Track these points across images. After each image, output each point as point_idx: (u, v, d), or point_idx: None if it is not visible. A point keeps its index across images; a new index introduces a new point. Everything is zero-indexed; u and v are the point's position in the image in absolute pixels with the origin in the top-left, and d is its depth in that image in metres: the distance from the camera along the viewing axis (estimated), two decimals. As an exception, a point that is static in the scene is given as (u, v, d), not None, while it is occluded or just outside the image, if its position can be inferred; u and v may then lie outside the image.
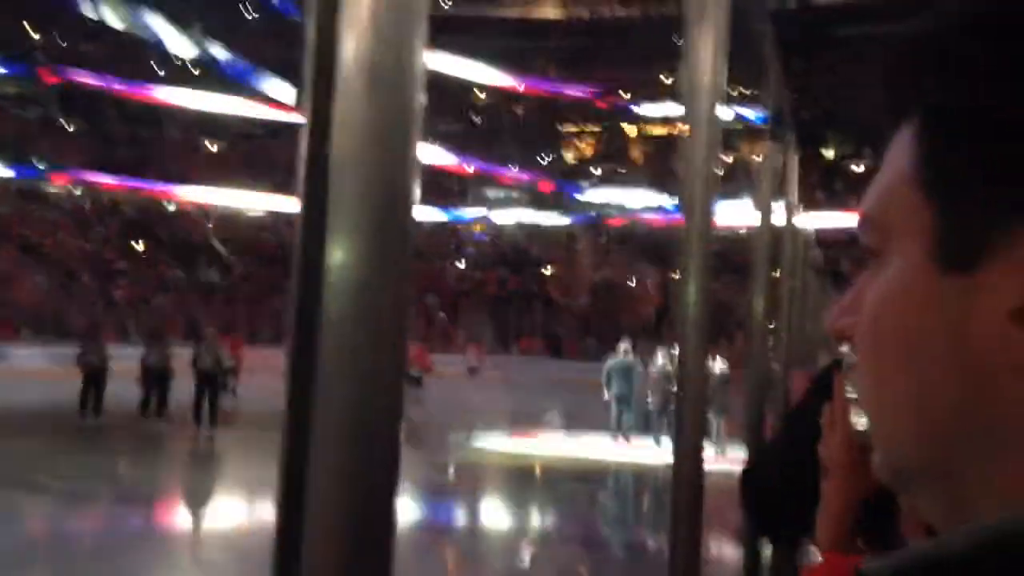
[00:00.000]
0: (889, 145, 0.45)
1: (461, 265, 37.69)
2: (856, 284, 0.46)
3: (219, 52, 33.49)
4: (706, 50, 1.69)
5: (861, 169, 37.63)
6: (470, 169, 37.29)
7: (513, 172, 38.59)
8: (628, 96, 40.10)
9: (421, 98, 0.76)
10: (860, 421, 0.96)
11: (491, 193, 39.50)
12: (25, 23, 36.42)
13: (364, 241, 0.74)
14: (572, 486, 12.01)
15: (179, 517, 9.88)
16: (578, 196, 38.58)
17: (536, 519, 10.45)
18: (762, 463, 1.70)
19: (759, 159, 3.03)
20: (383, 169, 0.75)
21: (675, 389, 1.88)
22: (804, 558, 1.16)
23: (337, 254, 0.74)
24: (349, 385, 0.76)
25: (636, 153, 42.80)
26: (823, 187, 34.20)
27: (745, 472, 1.69)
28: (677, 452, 1.79)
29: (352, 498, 0.74)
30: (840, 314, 0.46)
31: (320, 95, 0.73)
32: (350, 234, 0.74)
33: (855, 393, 0.74)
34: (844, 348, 0.63)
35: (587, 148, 43.76)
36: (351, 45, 0.70)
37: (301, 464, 0.76)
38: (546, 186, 38.58)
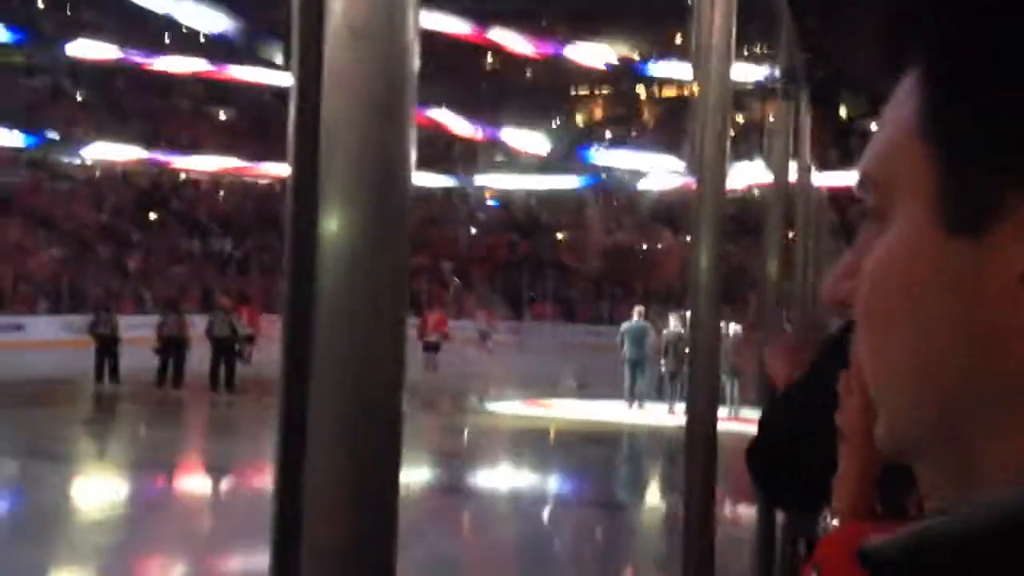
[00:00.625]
0: (891, 98, 0.42)
1: (472, 231, 37.64)
2: (855, 247, 0.43)
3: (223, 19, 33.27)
4: (716, 8, 1.64)
5: (875, 127, 37.20)
6: (479, 134, 37.04)
7: (521, 137, 38.28)
8: (639, 56, 39.72)
9: (416, 56, 0.72)
10: None
11: (502, 158, 39.32)
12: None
13: (359, 209, 0.71)
14: (586, 450, 12.08)
15: (198, 482, 9.99)
16: (589, 160, 38.34)
17: (550, 482, 10.51)
18: (769, 431, 1.68)
19: (772, 119, 2.98)
20: (377, 133, 0.72)
21: (688, 352, 1.86)
22: (821, 524, 1.14)
23: (331, 223, 0.71)
24: (347, 358, 0.73)
25: (648, 115, 42.51)
26: (838, 146, 33.89)
27: (753, 440, 1.68)
28: (690, 415, 1.77)
29: (353, 474, 0.72)
30: (839, 278, 0.44)
31: (308, 54, 0.69)
32: (344, 202, 0.71)
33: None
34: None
35: (598, 111, 43.49)
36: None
37: (300, 439, 0.73)
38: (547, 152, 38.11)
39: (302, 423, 0.72)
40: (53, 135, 33.50)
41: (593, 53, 38.32)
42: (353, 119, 0.70)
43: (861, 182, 0.43)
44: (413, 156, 0.73)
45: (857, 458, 1.09)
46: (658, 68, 39.37)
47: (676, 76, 39.09)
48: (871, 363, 0.42)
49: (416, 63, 0.70)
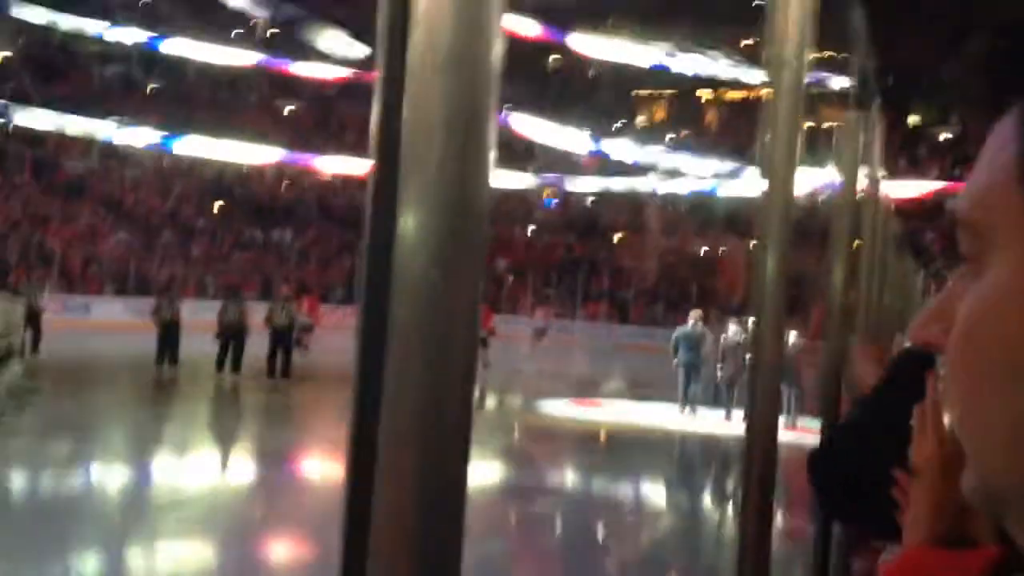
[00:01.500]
0: (987, 136, 0.41)
1: (530, 229, 37.65)
2: (947, 290, 0.42)
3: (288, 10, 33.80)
4: (791, 13, 1.62)
5: (946, 135, 36.33)
6: (541, 133, 37.01)
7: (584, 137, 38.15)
8: (704, 58, 39.28)
9: (499, 60, 0.73)
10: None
11: (560, 158, 39.24)
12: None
13: (437, 208, 0.73)
14: (637, 454, 12.00)
15: (251, 469, 10.17)
16: (649, 162, 38.03)
17: (601, 486, 10.48)
18: (835, 448, 1.66)
19: (842, 125, 2.93)
20: (459, 134, 0.73)
21: (748, 360, 1.84)
22: (881, 547, 1.12)
23: (409, 221, 0.73)
24: (421, 353, 0.74)
25: (711, 117, 42.04)
26: (905, 154, 33.14)
27: (816, 453, 1.65)
28: (750, 423, 1.75)
29: (423, 468, 0.73)
30: (929, 321, 0.42)
31: (392, 55, 0.70)
32: (423, 200, 0.72)
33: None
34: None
35: (660, 112, 43.15)
36: (424, 2, 0.68)
37: (371, 434, 0.75)
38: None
39: (374, 417, 0.73)
40: (126, 123, 34.35)
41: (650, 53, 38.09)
42: (435, 119, 0.71)
43: (956, 226, 0.42)
44: (493, 157, 0.74)
45: (930, 496, 1.05)
46: (722, 70, 38.92)
47: (741, 79, 38.59)
48: (962, 412, 0.41)
49: (500, 66, 0.71)
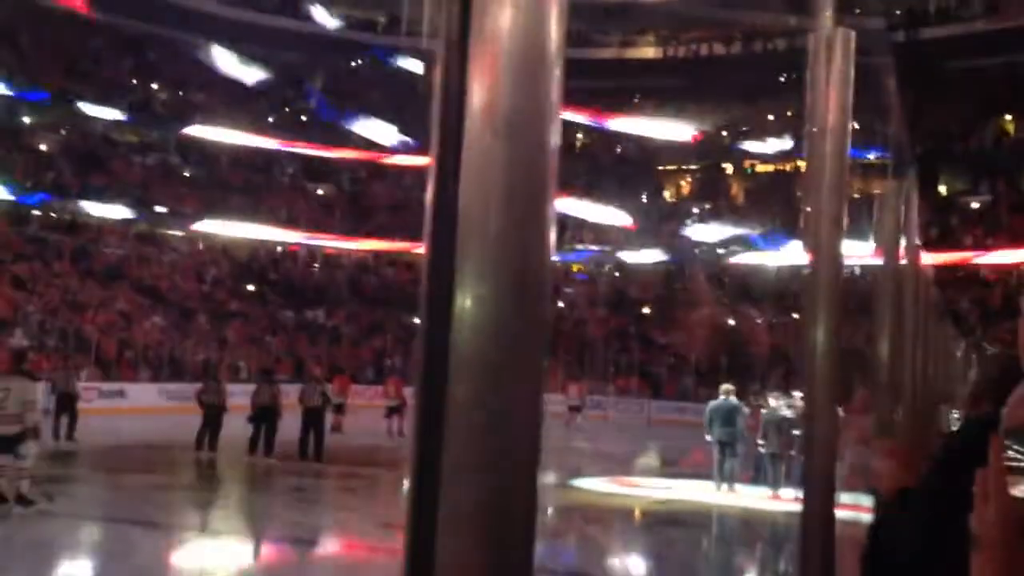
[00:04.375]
0: None
1: (560, 305, 37.63)
2: None
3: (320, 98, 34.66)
4: (832, 85, 1.62)
5: (976, 204, 36.14)
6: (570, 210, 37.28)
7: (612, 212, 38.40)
8: (728, 134, 39.66)
9: (556, 145, 0.72)
10: (1019, 488, 0.87)
11: (590, 232, 39.43)
12: (144, 73, 38.58)
13: (498, 280, 0.71)
14: (675, 532, 11.72)
15: (286, 553, 10.04)
16: (678, 235, 38.11)
17: (638, 565, 10.22)
18: (890, 537, 1.59)
19: (879, 195, 2.92)
20: (515, 217, 0.72)
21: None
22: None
23: (466, 301, 0.71)
24: (482, 439, 0.72)
25: (736, 190, 42.22)
26: (938, 224, 32.93)
27: (868, 547, 1.59)
28: (806, 503, 1.69)
29: (487, 558, 0.70)
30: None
31: (447, 142, 0.70)
32: (482, 273, 0.71)
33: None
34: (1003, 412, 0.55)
35: (686, 186, 43.41)
36: (480, 92, 0.68)
37: (431, 519, 0.72)
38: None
39: (433, 503, 0.71)
40: (161, 210, 35.10)
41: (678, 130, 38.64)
42: (491, 203, 0.70)
43: None
44: (553, 239, 0.72)
45: (994, 566, 1.00)
46: (748, 144, 39.21)
47: (766, 152, 38.84)
48: None
49: (557, 150, 0.70)
